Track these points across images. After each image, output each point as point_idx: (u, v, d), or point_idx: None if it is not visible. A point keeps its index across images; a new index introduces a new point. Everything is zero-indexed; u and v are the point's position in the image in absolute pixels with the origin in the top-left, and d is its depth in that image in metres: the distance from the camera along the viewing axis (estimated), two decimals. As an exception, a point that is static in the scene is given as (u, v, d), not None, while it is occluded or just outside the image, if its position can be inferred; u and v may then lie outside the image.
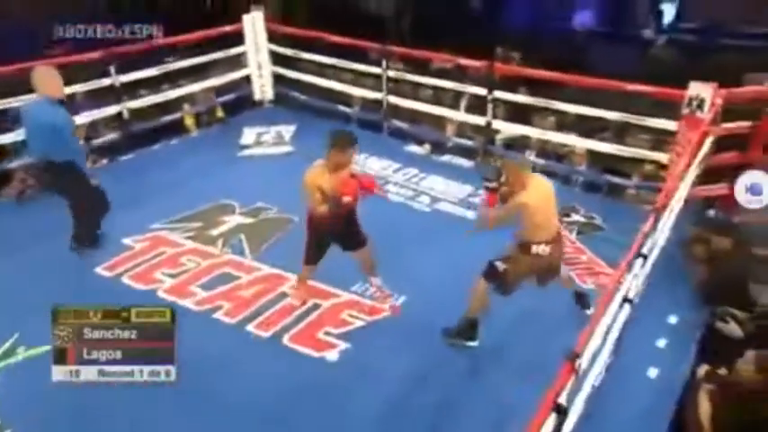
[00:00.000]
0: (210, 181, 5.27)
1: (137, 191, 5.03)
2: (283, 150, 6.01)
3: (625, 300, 2.68)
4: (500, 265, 3.30)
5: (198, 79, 6.33)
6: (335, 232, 3.55)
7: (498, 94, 5.23)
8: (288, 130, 6.34)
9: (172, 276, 4.09)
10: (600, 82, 4.72)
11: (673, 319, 3.61)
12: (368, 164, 5.73)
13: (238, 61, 6.66)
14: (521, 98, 5.24)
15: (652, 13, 10.58)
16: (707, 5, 11.04)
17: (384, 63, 5.71)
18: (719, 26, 10.28)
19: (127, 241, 4.45)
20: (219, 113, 6.68)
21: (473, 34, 7.29)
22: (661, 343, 3.44)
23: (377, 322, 3.72)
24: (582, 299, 3.66)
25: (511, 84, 5.49)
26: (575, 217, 4.80)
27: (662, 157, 4.51)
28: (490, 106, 5.21)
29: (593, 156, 5.34)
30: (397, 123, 6.18)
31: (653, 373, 3.25)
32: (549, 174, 5.44)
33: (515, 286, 3.33)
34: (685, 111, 4.14)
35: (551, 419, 1.90)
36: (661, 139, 4.95)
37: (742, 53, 8.96)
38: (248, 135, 6.28)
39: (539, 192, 3.16)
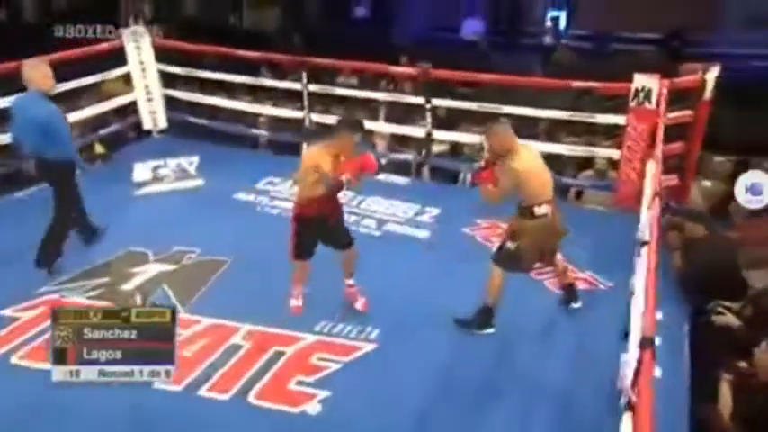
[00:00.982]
0: (107, 227, 4.88)
1: (13, 245, 4.49)
2: (192, 185, 5.77)
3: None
4: (510, 245, 3.54)
5: (69, 109, 5.88)
6: (326, 224, 3.71)
7: (437, 102, 5.48)
8: (190, 162, 6.07)
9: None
10: (545, 81, 5.13)
11: (659, 315, 3.94)
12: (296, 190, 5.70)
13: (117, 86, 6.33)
14: (463, 104, 5.52)
15: (552, 21, 11.83)
16: (595, 14, 12.60)
17: (304, 77, 5.74)
18: (609, 32, 11.76)
19: (6, 312, 3.94)
20: (99, 149, 6.25)
21: (367, 46, 7.61)
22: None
23: (354, 362, 3.64)
24: (570, 291, 3.93)
25: (440, 91, 5.79)
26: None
27: (613, 153, 4.97)
28: (429, 115, 5.43)
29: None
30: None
31: (657, 372, 3.50)
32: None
33: (532, 261, 3.63)
34: (632, 103, 4.63)
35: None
36: (591, 138, 5.48)
37: (632, 56, 10.31)
38: (141, 171, 5.90)
39: (530, 153, 3.48)
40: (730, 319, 3.41)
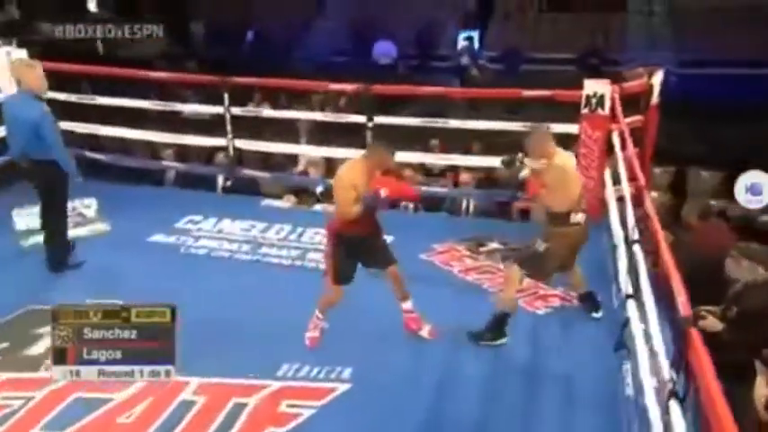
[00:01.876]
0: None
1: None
2: (96, 230, 5.53)
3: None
4: (539, 246, 3.77)
5: None
6: (366, 244, 3.81)
7: (380, 119, 5.64)
8: (86, 205, 5.80)
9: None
10: (496, 92, 5.46)
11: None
12: (223, 228, 5.65)
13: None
14: (408, 121, 5.73)
15: (467, 41, 12.58)
16: (504, 36, 13.60)
17: (226, 98, 5.72)
18: (519, 53, 12.74)
19: None
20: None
21: (272, 71, 7.78)
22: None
23: (329, 406, 3.60)
24: (590, 300, 4.17)
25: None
26: (491, 245, 5.31)
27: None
28: (369, 134, 5.57)
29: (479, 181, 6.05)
30: (251, 173, 6.19)
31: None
32: (433, 202, 6.12)
33: (555, 268, 3.86)
34: (585, 110, 5.03)
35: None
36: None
37: (542, 75, 11.23)
38: (23, 218, 5.56)
39: (569, 158, 3.84)
40: (712, 323, 3.67)
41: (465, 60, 11.98)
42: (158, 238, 5.52)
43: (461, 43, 12.69)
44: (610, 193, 4.94)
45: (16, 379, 3.71)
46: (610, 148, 5.10)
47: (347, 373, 3.81)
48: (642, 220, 3.92)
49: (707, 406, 1.92)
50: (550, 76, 10.52)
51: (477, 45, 12.89)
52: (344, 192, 3.65)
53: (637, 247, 3.53)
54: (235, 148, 6.03)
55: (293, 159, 6.84)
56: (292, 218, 5.83)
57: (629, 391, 3.49)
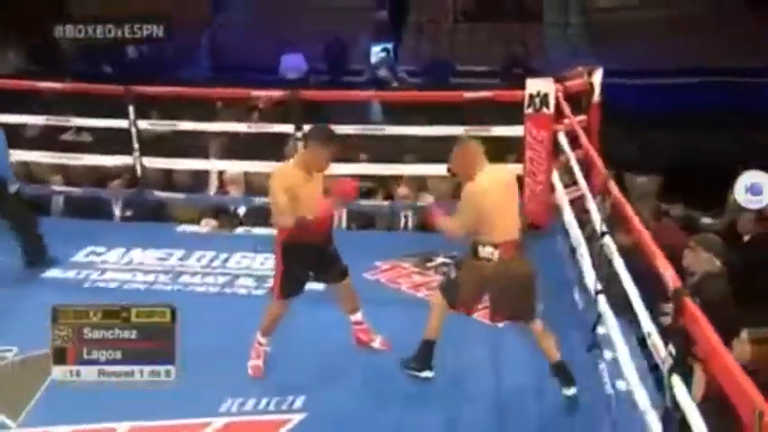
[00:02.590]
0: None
1: None
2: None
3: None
4: (452, 272, 3.65)
5: None
6: (317, 254, 3.78)
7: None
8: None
9: None
10: (438, 94, 5.61)
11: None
12: (133, 258, 5.49)
13: None
14: (342, 128, 5.76)
15: (384, 52, 12.82)
16: (419, 48, 13.98)
17: (131, 111, 5.57)
18: (448, 64, 13.10)
19: None
20: None
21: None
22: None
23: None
24: (562, 373, 3.59)
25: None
26: (438, 260, 5.40)
27: (515, 168, 5.50)
28: (300, 145, 5.55)
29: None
30: (164, 195, 6.04)
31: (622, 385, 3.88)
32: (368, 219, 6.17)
33: (466, 301, 3.64)
34: (528, 110, 5.24)
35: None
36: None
37: (466, 87, 11.65)
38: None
39: (491, 178, 3.50)
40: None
41: (383, 73, 12.20)
42: (54, 273, 5.26)
43: (377, 56, 12.91)
44: (561, 195, 5.15)
45: None
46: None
47: (300, 401, 3.75)
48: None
49: (717, 370, 2.05)
50: (475, 87, 10.87)
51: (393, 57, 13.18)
52: (272, 198, 3.65)
53: (608, 239, 3.69)
54: (143, 167, 5.84)
55: (203, 181, 6.70)
56: (214, 244, 5.72)
57: (609, 389, 3.62)
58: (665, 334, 2.72)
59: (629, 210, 3.39)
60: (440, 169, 4.66)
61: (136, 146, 5.78)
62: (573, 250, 4.94)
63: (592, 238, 4.22)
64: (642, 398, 2.85)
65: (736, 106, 10.74)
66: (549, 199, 5.37)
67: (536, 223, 5.50)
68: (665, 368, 2.56)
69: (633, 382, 3.01)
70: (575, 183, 5.29)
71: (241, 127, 5.83)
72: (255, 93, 5.73)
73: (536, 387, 3.80)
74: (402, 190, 6.21)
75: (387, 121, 7.24)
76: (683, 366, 2.50)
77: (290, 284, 3.82)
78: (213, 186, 6.59)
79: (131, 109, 5.63)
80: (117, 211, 6.46)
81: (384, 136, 5.92)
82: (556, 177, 5.35)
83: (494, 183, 3.51)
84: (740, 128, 9.74)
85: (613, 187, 3.74)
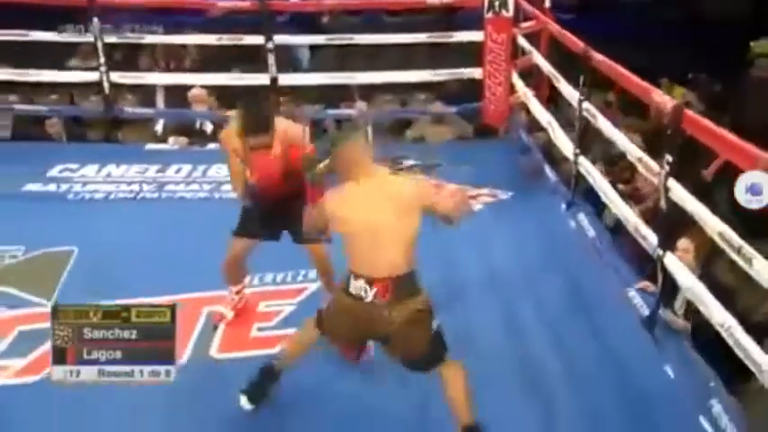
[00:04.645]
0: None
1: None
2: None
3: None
4: (325, 304, 2.98)
5: None
6: (279, 207, 3.42)
7: (280, 39, 5.87)
8: None
9: None
10: (400, 1, 5.97)
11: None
12: (111, 172, 5.56)
13: None
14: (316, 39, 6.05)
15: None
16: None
17: (96, 23, 5.59)
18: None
19: None
20: None
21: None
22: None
23: (307, 300, 3.87)
24: None
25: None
26: (408, 162, 5.77)
27: (474, 71, 5.94)
28: (272, 56, 5.76)
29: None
30: (132, 111, 6.12)
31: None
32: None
33: (331, 335, 2.91)
34: (488, 15, 5.64)
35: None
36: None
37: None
38: None
39: (366, 194, 2.67)
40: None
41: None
42: (34, 187, 5.30)
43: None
44: (524, 92, 5.63)
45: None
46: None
47: (313, 273, 3.95)
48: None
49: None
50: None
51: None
52: (226, 158, 3.53)
53: (586, 104, 4.19)
54: (110, 84, 5.89)
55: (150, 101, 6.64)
56: (188, 157, 5.81)
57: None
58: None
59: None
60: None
61: (102, 59, 5.76)
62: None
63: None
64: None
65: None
66: (507, 100, 5.84)
67: (495, 124, 6.01)
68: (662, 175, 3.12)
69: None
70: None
71: (211, 39, 5.91)
72: (222, 3, 5.81)
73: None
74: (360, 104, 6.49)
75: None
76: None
77: (244, 223, 3.53)
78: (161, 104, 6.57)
79: (95, 21, 5.62)
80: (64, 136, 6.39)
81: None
82: (516, 78, 5.81)
83: (367, 193, 2.66)
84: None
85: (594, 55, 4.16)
